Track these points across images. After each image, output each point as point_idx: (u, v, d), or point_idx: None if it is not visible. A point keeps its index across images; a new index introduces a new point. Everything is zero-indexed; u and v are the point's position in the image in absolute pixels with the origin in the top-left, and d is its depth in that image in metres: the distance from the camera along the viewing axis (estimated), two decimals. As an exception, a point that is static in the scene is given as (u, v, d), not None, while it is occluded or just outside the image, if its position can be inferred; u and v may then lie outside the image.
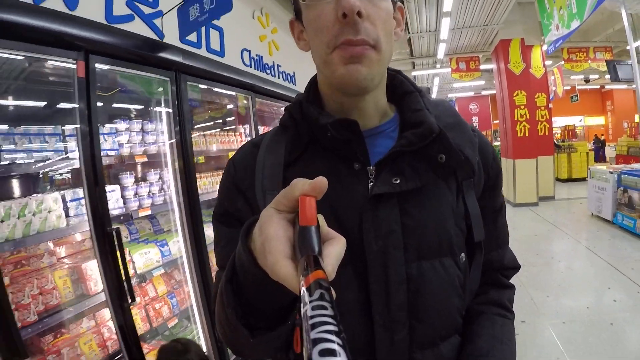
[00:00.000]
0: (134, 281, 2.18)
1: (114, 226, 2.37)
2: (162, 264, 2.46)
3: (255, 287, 0.50)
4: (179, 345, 1.61)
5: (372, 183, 0.66)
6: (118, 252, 1.73)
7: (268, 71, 3.84)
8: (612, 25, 8.63)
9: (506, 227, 0.83)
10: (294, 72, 4.48)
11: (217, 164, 3.34)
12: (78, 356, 2.08)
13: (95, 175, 1.63)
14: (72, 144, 1.88)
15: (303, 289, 0.31)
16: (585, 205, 7.17)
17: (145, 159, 2.22)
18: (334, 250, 0.39)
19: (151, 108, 2.39)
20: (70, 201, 1.98)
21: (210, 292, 2.47)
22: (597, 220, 6.56)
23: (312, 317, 0.27)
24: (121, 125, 2.18)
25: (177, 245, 2.60)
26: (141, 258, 2.36)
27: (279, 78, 4.09)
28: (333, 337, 0.25)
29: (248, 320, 0.54)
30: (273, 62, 3.98)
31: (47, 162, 1.85)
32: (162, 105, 2.26)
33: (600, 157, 13.99)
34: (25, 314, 1.77)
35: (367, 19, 0.60)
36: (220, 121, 3.91)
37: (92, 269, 2.09)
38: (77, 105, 1.60)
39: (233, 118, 3.87)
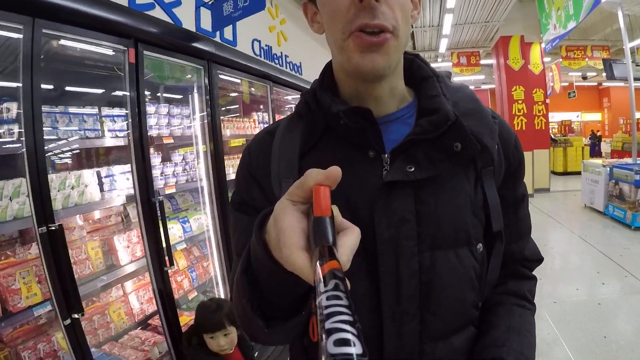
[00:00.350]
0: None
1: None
2: (184, 239, 2.63)
3: (269, 278, 0.50)
4: (213, 305, 1.81)
5: (386, 171, 0.65)
6: (160, 221, 1.91)
7: (276, 61, 3.97)
8: (610, 25, 8.78)
9: (528, 218, 0.80)
10: (300, 63, 4.62)
11: (234, 148, 3.50)
12: (107, 323, 2.25)
13: (142, 151, 1.80)
14: (109, 124, 2.04)
15: (318, 279, 0.31)
16: (579, 197, 7.40)
17: (172, 141, 2.39)
18: (349, 240, 0.39)
19: (179, 94, 2.56)
20: (105, 177, 2.15)
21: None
22: (589, 211, 6.80)
23: (326, 307, 0.27)
24: (150, 108, 2.35)
25: (198, 222, 2.77)
26: (165, 233, 2.53)
27: (286, 68, 4.22)
28: (348, 327, 0.25)
29: (263, 311, 0.54)
30: (281, 53, 4.11)
31: (86, 140, 2.00)
32: (195, 90, 2.43)
33: (596, 152, 14.22)
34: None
35: (384, 2, 0.58)
36: (223, 109, 4.06)
37: (122, 241, 2.27)
38: (127, 90, 1.78)
39: (237, 106, 4.02)
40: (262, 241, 0.47)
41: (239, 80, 3.11)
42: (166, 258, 1.96)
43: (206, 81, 2.35)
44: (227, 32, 3.02)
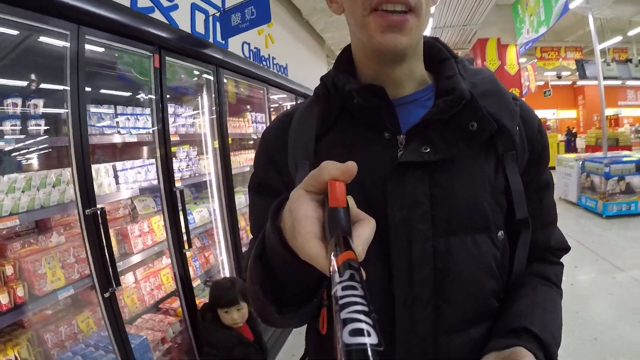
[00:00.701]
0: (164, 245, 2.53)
1: (144, 197, 2.74)
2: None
3: (283, 266, 0.50)
4: (228, 283, 2.01)
5: (401, 152, 0.63)
6: (180, 208, 2.12)
7: (264, 63, 4.10)
8: (582, 27, 9.24)
9: (553, 206, 0.77)
10: (286, 64, 4.79)
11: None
12: (122, 308, 2.40)
13: (165, 146, 2.00)
14: (125, 122, 2.20)
15: (333, 269, 0.31)
16: (554, 190, 7.77)
17: (178, 138, 2.56)
18: (364, 231, 0.39)
19: (183, 95, 2.75)
20: (120, 171, 2.31)
21: (239, 253, 2.84)
22: (564, 202, 7.18)
23: (342, 297, 0.27)
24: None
25: (200, 215, 2.94)
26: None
27: (274, 69, 4.37)
28: (363, 317, 0.25)
29: (276, 297, 0.55)
30: (269, 55, 4.26)
31: (104, 136, 2.16)
32: (204, 92, 2.63)
33: (571, 148, 14.74)
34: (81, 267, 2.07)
35: None
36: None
37: (135, 231, 2.43)
38: (152, 92, 1.98)
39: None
40: (277, 229, 0.47)
41: (224, 81, 3.30)
42: (185, 241, 2.14)
43: (215, 84, 2.55)
44: (219, 35, 3.15)
